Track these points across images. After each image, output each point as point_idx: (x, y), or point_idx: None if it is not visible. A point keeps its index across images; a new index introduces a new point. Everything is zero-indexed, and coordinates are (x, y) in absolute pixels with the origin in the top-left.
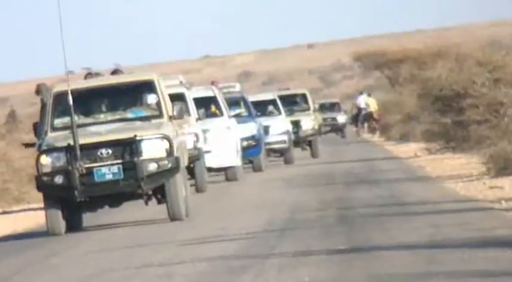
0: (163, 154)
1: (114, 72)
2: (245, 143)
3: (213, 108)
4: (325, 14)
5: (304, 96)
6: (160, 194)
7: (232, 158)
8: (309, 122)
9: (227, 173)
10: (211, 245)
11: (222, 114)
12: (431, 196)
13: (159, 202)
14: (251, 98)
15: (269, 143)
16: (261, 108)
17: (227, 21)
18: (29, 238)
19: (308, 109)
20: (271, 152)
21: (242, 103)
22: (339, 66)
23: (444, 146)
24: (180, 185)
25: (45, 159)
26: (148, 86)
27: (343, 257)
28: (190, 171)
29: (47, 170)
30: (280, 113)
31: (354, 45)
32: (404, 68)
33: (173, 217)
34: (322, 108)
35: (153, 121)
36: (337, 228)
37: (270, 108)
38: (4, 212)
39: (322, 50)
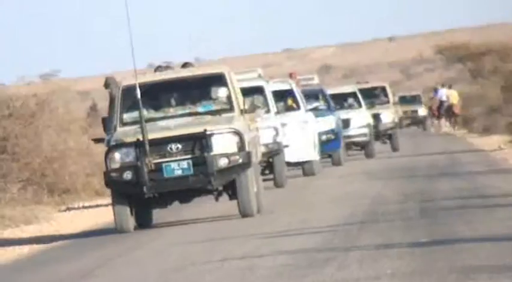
0: (234, 149)
1: (185, 65)
2: (324, 137)
3: (289, 101)
4: (406, 6)
5: (383, 89)
6: (231, 189)
7: (310, 152)
8: (388, 115)
9: (304, 168)
10: (292, 238)
11: (299, 107)
12: None
13: (231, 198)
14: (331, 91)
15: (350, 136)
16: (341, 101)
17: (308, 14)
18: (110, 233)
19: (387, 102)
20: (351, 145)
21: (320, 96)
22: (420, 59)
23: None
24: (252, 180)
25: (113, 155)
26: (218, 79)
27: (425, 249)
28: (269, 165)
29: (116, 165)
30: (360, 106)
31: (435, 38)
32: (487, 60)
33: (244, 213)
34: (403, 101)
35: (224, 115)
36: (419, 221)
37: (350, 101)
38: (86, 207)
39: (403, 43)
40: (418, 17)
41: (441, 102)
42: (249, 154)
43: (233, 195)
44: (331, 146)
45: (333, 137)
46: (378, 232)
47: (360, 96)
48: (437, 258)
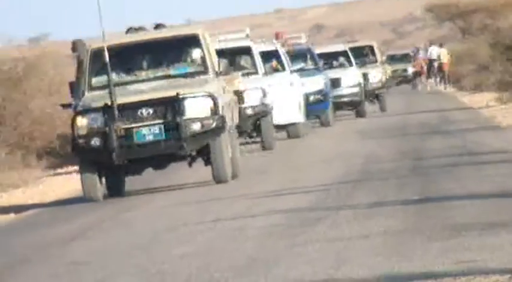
0: (208, 113)
1: (157, 26)
2: (312, 98)
3: (274, 63)
4: None
5: (371, 48)
6: (205, 155)
7: (295, 114)
8: (376, 75)
9: (289, 130)
10: (284, 197)
11: (284, 69)
12: (503, 146)
13: (206, 164)
14: (321, 50)
15: (340, 96)
16: (332, 60)
17: None
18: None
19: (376, 61)
20: (342, 105)
21: (308, 55)
22: (411, 17)
23: None
24: (226, 145)
25: (80, 121)
26: (192, 41)
27: (417, 207)
28: (257, 128)
29: (83, 132)
30: (351, 65)
31: None
32: (477, 18)
33: (218, 179)
34: (393, 59)
35: (198, 78)
36: (411, 179)
37: (341, 60)
38: (76, 171)
39: (394, 2)
40: None
41: (430, 61)
42: (222, 118)
43: (208, 161)
44: (319, 106)
45: (321, 97)
46: (371, 190)
47: (350, 55)
48: (429, 216)
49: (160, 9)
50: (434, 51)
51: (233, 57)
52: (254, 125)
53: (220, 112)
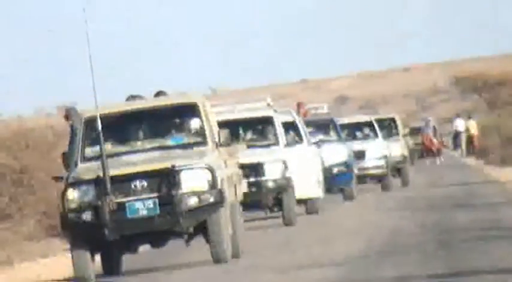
0: (206, 187)
1: (158, 94)
2: (335, 170)
3: (291, 134)
4: (421, 36)
5: (393, 120)
6: (202, 232)
7: (314, 189)
8: (398, 148)
9: (307, 205)
10: (310, 270)
11: (301, 140)
12: None
13: (208, 241)
14: (346, 120)
15: (365, 168)
16: (356, 131)
17: (324, 45)
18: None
19: (397, 134)
20: (366, 178)
21: (331, 126)
22: (436, 89)
23: None
24: (226, 221)
25: (71, 194)
26: (191, 110)
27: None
28: (279, 202)
29: (74, 205)
30: (377, 136)
31: (450, 68)
32: (504, 90)
33: (216, 258)
34: (416, 131)
35: (196, 149)
36: (437, 253)
37: (366, 131)
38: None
39: (419, 74)
40: (434, 47)
41: (456, 132)
42: (221, 192)
43: (205, 239)
44: (342, 178)
45: (344, 169)
46: (397, 264)
47: (376, 126)
48: None
49: (185, 78)
50: (460, 123)
51: (253, 127)
52: (276, 199)
53: (219, 186)
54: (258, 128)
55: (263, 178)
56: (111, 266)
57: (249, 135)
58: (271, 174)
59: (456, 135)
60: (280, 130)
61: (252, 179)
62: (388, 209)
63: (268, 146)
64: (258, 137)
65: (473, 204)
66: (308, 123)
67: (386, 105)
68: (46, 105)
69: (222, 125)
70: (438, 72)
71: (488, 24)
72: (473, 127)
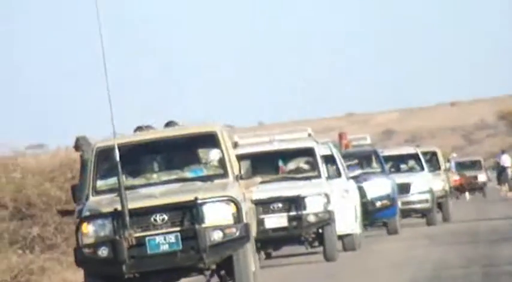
0: (230, 220)
1: (168, 124)
2: (378, 203)
3: (331, 167)
4: (469, 71)
5: (434, 154)
6: (225, 269)
7: (351, 225)
8: (439, 183)
9: (344, 242)
10: None
11: (339, 175)
12: None
13: (222, 280)
14: (390, 152)
15: (409, 202)
16: (400, 163)
17: (370, 79)
18: None
19: (438, 168)
20: (411, 212)
21: (374, 158)
22: (482, 124)
23: None
24: (251, 257)
25: (87, 228)
26: (209, 140)
27: None
28: (319, 236)
29: (90, 240)
30: (422, 169)
31: (497, 103)
32: None
33: None
34: (462, 166)
35: (216, 181)
36: None
37: (411, 163)
38: None
39: (466, 108)
40: (481, 82)
41: (502, 168)
42: (247, 226)
43: (227, 277)
44: (385, 213)
45: (388, 202)
46: None
47: (422, 158)
48: None
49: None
50: (506, 158)
51: (293, 158)
52: (316, 234)
53: (244, 219)
54: (298, 160)
55: (304, 212)
56: None
57: (289, 167)
58: (313, 208)
59: (502, 171)
60: (321, 162)
61: (292, 213)
62: (433, 243)
63: (309, 178)
64: (299, 169)
65: None
66: (350, 155)
67: (433, 140)
68: (91, 136)
69: (261, 156)
70: (485, 107)
71: None
72: None
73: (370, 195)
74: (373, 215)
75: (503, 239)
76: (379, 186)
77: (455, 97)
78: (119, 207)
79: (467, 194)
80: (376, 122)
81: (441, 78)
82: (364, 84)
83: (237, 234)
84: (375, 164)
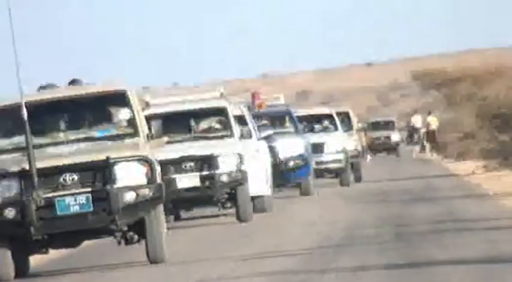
0: (143, 181)
1: (72, 82)
2: (291, 164)
3: (245, 127)
4: (383, 33)
5: (346, 115)
6: (136, 230)
7: (261, 187)
8: (351, 143)
9: (255, 203)
10: (268, 260)
11: (250, 136)
12: (489, 213)
13: (128, 242)
14: (305, 112)
15: (323, 162)
16: (315, 123)
17: (286, 40)
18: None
19: (351, 129)
20: (324, 172)
21: (287, 118)
22: (397, 85)
23: (502, 163)
24: (163, 219)
25: None
26: (119, 99)
27: (400, 272)
28: (232, 197)
29: None
30: (336, 129)
31: (411, 64)
32: (462, 86)
33: (154, 259)
34: (376, 126)
35: (127, 141)
36: (394, 244)
37: (325, 123)
38: None
39: (380, 69)
40: (395, 43)
41: (414, 129)
42: (160, 186)
43: (140, 238)
44: (298, 173)
45: (300, 162)
46: (354, 255)
47: (336, 118)
48: (413, 281)
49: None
50: (417, 120)
51: (205, 118)
52: (229, 194)
53: (158, 179)
54: (210, 119)
55: (217, 171)
56: (21, 265)
57: (201, 126)
58: (226, 167)
59: (412, 132)
60: (234, 121)
61: (204, 172)
62: (347, 203)
63: (221, 137)
64: (211, 128)
65: (430, 197)
66: (263, 115)
67: (348, 101)
68: None
69: (173, 116)
70: (399, 67)
71: (448, 21)
72: (434, 122)
73: (282, 155)
74: (286, 175)
75: (415, 199)
76: (291, 146)
77: (370, 58)
78: (27, 167)
79: (368, 155)
80: (291, 83)
81: (355, 39)
82: (278, 46)
83: (151, 195)
84: (288, 124)
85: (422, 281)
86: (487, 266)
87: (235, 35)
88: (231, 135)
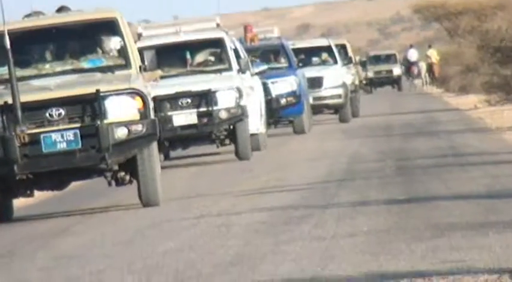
0: (136, 116)
1: (60, 9)
2: (283, 101)
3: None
4: None
5: (343, 47)
6: (128, 169)
7: (254, 124)
8: (349, 77)
9: None
10: (269, 195)
11: (248, 68)
12: (490, 147)
13: (119, 183)
14: (302, 44)
15: (322, 98)
16: (313, 56)
17: None
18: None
19: (350, 62)
20: (323, 108)
21: (281, 52)
22: (398, 18)
23: (504, 97)
24: (157, 157)
25: None
26: (109, 27)
27: (401, 207)
28: (231, 133)
29: None
30: (336, 62)
31: None
32: (464, 19)
33: (147, 201)
34: (377, 60)
35: (118, 73)
36: (395, 179)
37: (324, 56)
38: None
39: (382, 2)
40: None
41: (410, 63)
42: (154, 122)
43: (132, 177)
44: (291, 110)
45: (293, 100)
46: (355, 190)
47: (335, 50)
48: (413, 216)
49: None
50: (413, 54)
51: (201, 50)
52: (228, 131)
53: (151, 115)
54: (207, 52)
55: (215, 107)
56: (5, 209)
57: (197, 59)
58: (224, 103)
59: (409, 66)
60: (232, 53)
61: (202, 109)
62: (347, 138)
63: (219, 71)
64: (207, 61)
65: (432, 131)
66: (256, 49)
67: (349, 34)
68: None
69: (166, 48)
70: (401, 0)
71: None
72: (434, 56)
73: (275, 92)
74: (278, 112)
75: (417, 133)
76: (284, 83)
77: None
78: (10, 101)
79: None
80: (292, 16)
81: None
82: None
83: (144, 131)
84: (282, 59)
85: (423, 215)
86: (488, 201)
87: None
88: (229, 69)
